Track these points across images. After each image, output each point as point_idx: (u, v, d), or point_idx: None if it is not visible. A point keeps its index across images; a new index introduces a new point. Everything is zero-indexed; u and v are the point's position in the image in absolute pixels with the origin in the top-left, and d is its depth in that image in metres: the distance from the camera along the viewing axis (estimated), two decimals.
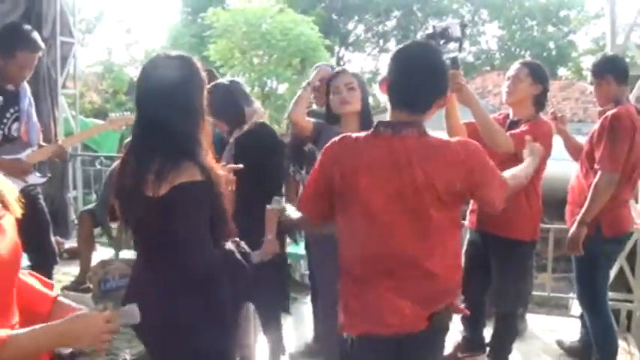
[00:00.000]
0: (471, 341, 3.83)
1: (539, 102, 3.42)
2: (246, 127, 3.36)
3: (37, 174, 3.77)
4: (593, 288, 3.58)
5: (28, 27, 3.65)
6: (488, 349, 3.75)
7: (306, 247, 3.96)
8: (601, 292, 3.58)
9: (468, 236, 3.75)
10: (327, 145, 2.25)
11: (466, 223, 3.61)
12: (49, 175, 4.09)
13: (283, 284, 3.60)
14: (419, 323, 2.08)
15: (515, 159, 2.96)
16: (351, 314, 2.17)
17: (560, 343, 4.13)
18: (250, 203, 2.69)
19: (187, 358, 2.08)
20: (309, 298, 4.39)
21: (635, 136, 3.36)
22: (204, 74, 2.07)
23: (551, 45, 27.07)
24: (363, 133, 2.17)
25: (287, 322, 4.28)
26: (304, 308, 4.63)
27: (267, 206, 2.50)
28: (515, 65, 3.49)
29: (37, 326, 1.53)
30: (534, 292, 4.91)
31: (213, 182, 1.96)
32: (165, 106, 1.93)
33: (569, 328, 4.03)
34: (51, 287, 1.82)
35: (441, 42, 3.06)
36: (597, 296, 3.58)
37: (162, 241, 1.97)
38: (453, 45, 3.09)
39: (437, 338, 2.21)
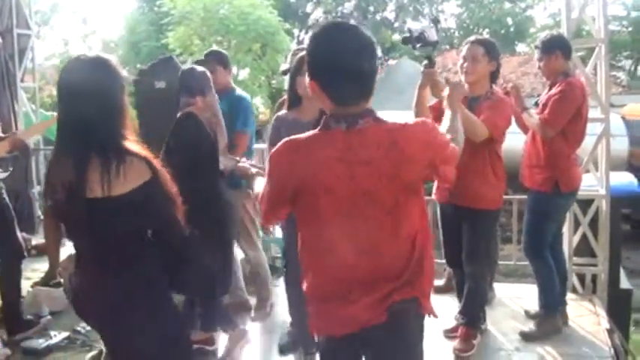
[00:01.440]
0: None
1: (494, 77, 3.71)
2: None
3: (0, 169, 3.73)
4: (542, 238, 4.05)
5: None
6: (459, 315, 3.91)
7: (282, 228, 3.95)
8: (547, 241, 4.06)
9: (438, 209, 4.06)
10: (273, 153, 2.06)
11: (432, 197, 3.88)
12: (11, 169, 4.04)
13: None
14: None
15: (491, 141, 3.52)
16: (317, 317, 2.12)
17: (527, 312, 4.33)
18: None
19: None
20: (281, 281, 4.43)
21: (582, 106, 3.84)
22: (122, 72, 2.10)
23: (509, 21, 27.31)
24: (310, 133, 2.02)
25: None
26: (277, 291, 4.66)
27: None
28: (470, 45, 3.67)
29: None
30: (501, 262, 5.06)
31: (158, 173, 2.04)
32: (90, 107, 1.97)
33: (534, 295, 4.17)
34: None
35: (418, 45, 3.26)
36: (544, 245, 4.05)
37: (129, 239, 2.05)
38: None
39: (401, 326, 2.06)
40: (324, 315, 2.08)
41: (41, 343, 3.79)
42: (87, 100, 1.98)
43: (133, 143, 2.05)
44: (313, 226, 2.03)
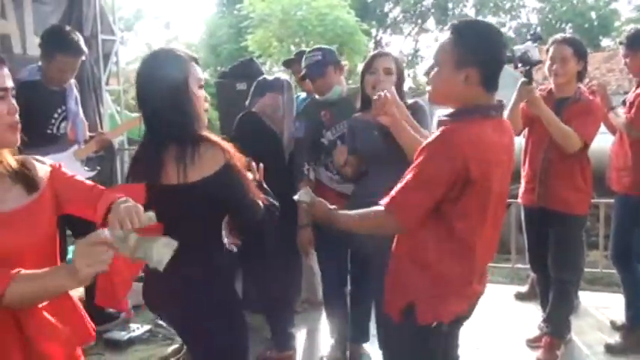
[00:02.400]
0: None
1: (581, 76, 3.59)
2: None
3: (86, 168, 3.85)
4: (630, 245, 3.85)
5: (73, 32, 3.67)
6: (543, 324, 3.79)
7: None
8: (635, 249, 3.85)
9: (522, 213, 3.93)
10: (443, 143, 1.98)
11: (518, 200, 3.87)
12: (98, 168, 4.16)
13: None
14: None
15: (585, 154, 3.49)
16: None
17: (613, 323, 4.14)
18: None
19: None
20: None
21: None
22: (189, 64, 2.12)
23: (593, 15, 26.32)
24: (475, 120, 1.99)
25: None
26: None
27: (294, 197, 2.47)
28: (557, 45, 3.54)
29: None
30: (586, 269, 4.84)
31: (232, 160, 2.07)
32: (160, 98, 2.05)
33: (621, 305, 3.97)
34: None
35: (519, 65, 3.38)
36: (631, 252, 3.85)
37: (204, 227, 2.10)
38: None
39: None
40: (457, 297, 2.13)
41: (123, 335, 3.88)
42: (156, 93, 2.06)
43: (207, 131, 2.10)
44: (475, 216, 2.03)
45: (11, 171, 1.65)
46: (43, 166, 1.76)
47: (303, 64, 3.56)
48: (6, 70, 1.62)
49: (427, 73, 2.17)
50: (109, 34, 6.39)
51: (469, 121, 2.00)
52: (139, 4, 29.54)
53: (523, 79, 3.45)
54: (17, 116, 1.62)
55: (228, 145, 2.08)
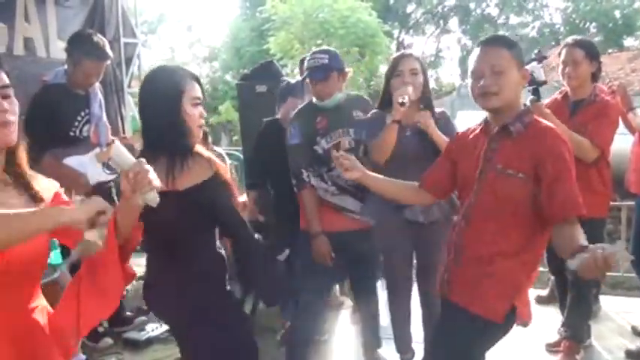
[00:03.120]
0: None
1: (596, 77, 3.57)
2: None
3: (107, 171, 3.89)
4: None
5: (99, 37, 3.74)
6: (562, 328, 3.76)
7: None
8: None
9: None
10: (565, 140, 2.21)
11: None
12: (119, 171, 4.21)
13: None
14: None
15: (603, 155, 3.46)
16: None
17: (634, 329, 4.09)
18: None
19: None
20: None
21: None
22: (182, 80, 2.22)
23: (617, 14, 25.94)
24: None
25: None
26: None
27: None
28: (568, 48, 3.54)
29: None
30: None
31: (219, 172, 2.19)
32: (152, 115, 2.22)
33: None
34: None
35: (526, 86, 3.38)
36: None
37: (192, 235, 2.19)
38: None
39: None
40: None
41: (142, 335, 3.94)
42: (150, 108, 2.23)
43: (199, 145, 2.24)
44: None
45: (14, 178, 1.68)
46: (50, 185, 1.81)
47: (306, 65, 3.40)
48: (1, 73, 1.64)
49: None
50: (131, 37, 6.47)
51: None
52: (162, 8, 29.82)
53: (532, 96, 3.50)
54: (8, 115, 1.62)
55: (216, 160, 2.21)
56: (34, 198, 1.70)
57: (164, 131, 2.15)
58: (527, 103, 3.37)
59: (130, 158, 1.70)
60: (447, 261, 2.43)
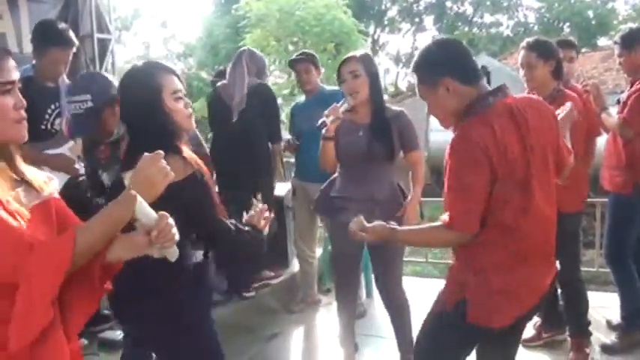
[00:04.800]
0: (550, 321, 3.91)
1: (557, 74, 3.51)
2: None
3: (81, 164, 3.83)
4: (623, 244, 3.86)
5: (61, 24, 3.71)
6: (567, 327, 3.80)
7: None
8: (628, 248, 3.87)
9: None
10: (466, 143, 2.07)
11: None
12: None
13: None
14: None
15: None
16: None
17: (608, 323, 4.14)
18: None
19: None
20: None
21: None
22: (158, 76, 2.19)
23: (591, 14, 26.30)
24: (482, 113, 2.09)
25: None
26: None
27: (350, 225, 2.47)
28: (523, 52, 3.54)
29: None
30: (582, 269, 4.83)
31: (198, 171, 2.15)
32: (130, 114, 2.21)
33: (617, 304, 3.96)
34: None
35: None
36: (625, 251, 3.87)
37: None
38: None
39: None
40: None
41: (118, 334, 3.87)
42: (130, 107, 2.20)
43: (185, 143, 2.23)
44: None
45: (20, 177, 1.62)
46: (53, 181, 1.73)
47: None
48: (12, 62, 1.58)
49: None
50: (104, 33, 6.38)
51: (473, 120, 2.09)
52: (136, 3, 29.53)
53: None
54: (23, 111, 1.58)
55: (197, 159, 2.18)
56: (36, 188, 1.63)
57: (148, 128, 2.12)
58: None
59: (152, 212, 1.61)
60: None
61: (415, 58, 2.23)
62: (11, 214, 1.46)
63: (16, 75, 1.58)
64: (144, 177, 1.63)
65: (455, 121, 2.19)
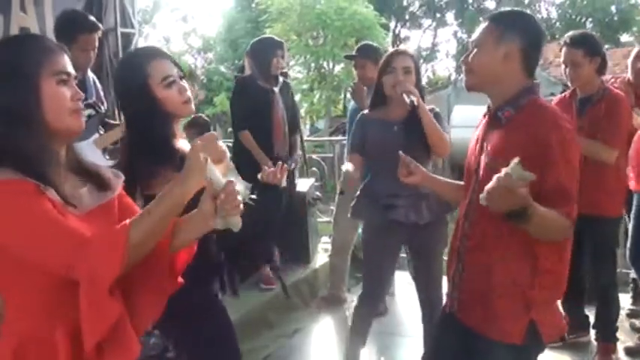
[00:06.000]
0: (574, 322, 3.79)
1: (601, 71, 3.44)
2: None
3: (107, 157, 3.85)
4: None
5: (81, 11, 3.74)
6: (593, 330, 3.76)
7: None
8: None
9: None
10: (561, 125, 1.93)
11: None
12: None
13: None
14: None
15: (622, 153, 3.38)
16: None
17: (632, 325, 4.11)
18: None
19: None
20: None
21: None
22: (146, 67, 2.12)
23: (613, 9, 25.92)
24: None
25: None
26: None
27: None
28: (566, 49, 3.43)
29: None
30: None
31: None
32: (122, 103, 2.21)
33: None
34: None
35: None
36: None
37: None
38: None
39: None
40: None
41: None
42: (120, 100, 2.22)
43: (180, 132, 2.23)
44: None
45: (77, 167, 1.63)
46: (118, 178, 1.73)
47: None
48: (67, 58, 1.63)
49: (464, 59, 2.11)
50: (128, 27, 6.39)
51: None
52: None
53: None
54: (80, 103, 1.59)
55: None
56: (100, 186, 1.64)
57: (139, 123, 2.10)
58: None
59: (220, 177, 1.59)
60: (451, 272, 2.20)
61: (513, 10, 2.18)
62: (67, 214, 1.47)
63: (72, 69, 1.61)
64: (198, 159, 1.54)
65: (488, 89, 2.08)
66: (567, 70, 3.45)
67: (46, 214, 1.42)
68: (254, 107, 4.47)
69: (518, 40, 1.98)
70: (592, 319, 3.83)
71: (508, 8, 2.58)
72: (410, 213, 3.13)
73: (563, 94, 3.69)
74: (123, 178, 1.73)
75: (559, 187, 1.86)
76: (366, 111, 3.37)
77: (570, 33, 3.54)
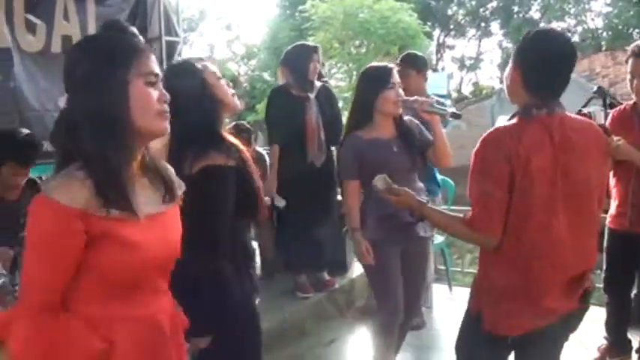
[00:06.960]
0: (617, 344, 3.70)
1: None
2: None
3: None
4: None
5: (122, 21, 3.75)
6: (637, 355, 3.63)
7: None
8: None
9: (607, 236, 3.58)
10: (487, 143, 2.10)
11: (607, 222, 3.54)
12: None
13: None
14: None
15: None
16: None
17: None
18: None
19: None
20: None
21: None
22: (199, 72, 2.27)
23: None
24: (510, 122, 2.13)
25: None
26: None
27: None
28: (634, 60, 3.26)
29: None
30: None
31: (243, 164, 2.21)
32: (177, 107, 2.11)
33: None
34: None
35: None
36: None
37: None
38: None
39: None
40: None
41: None
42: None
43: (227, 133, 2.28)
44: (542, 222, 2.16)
45: (154, 172, 1.65)
46: (180, 188, 1.73)
47: None
48: (155, 58, 1.62)
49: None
50: (172, 36, 6.47)
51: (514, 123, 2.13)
52: (203, 5, 30.01)
53: None
54: (166, 106, 1.59)
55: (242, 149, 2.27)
56: (167, 195, 1.65)
57: (193, 109, 2.16)
58: None
59: None
60: None
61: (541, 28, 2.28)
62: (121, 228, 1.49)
63: (159, 70, 1.60)
64: None
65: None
66: (635, 81, 3.28)
67: (52, 250, 1.45)
68: (287, 117, 4.45)
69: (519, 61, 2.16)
70: (635, 344, 3.70)
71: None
72: (418, 225, 3.10)
73: (623, 106, 3.48)
74: (184, 188, 1.74)
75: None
76: (356, 133, 3.24)
77: (638, 43, 3.33)
